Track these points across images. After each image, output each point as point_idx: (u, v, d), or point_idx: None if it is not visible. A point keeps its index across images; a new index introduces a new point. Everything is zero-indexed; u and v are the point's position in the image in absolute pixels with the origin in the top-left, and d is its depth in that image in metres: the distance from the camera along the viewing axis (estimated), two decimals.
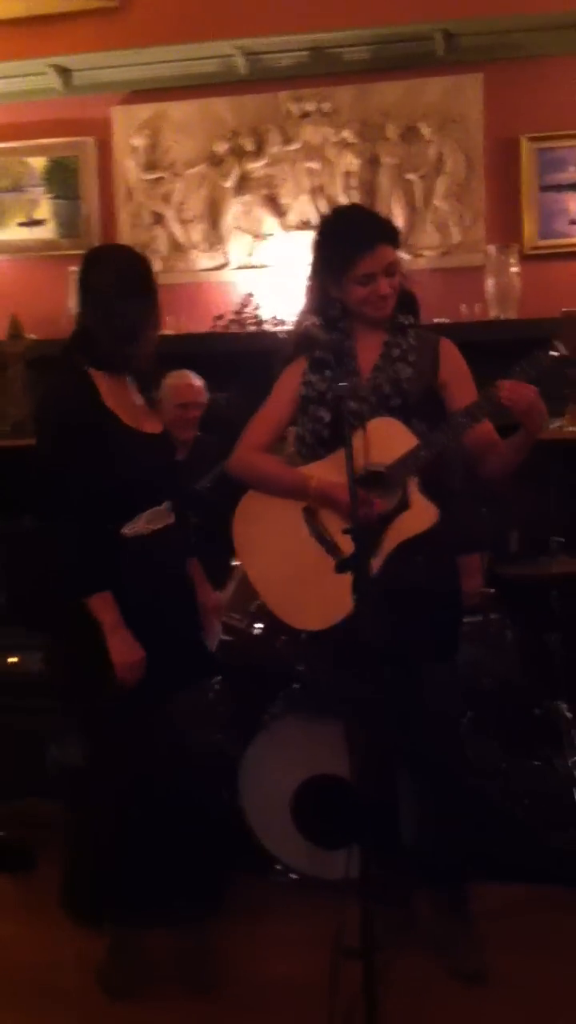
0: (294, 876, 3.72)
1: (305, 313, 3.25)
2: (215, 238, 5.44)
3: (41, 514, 3.18)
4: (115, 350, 3.04)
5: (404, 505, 3.04)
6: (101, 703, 3.04)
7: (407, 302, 3.23)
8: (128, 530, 3.01)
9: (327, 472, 3.07)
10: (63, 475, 2.98)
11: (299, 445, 3.28)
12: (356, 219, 3.25)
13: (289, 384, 3.25)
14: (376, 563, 3.03)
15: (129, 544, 3.01)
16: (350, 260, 3.06)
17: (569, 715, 4.13)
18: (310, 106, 5.25)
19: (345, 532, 2.83)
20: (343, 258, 3.08)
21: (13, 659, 4.38)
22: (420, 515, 3.04)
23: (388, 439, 3.04)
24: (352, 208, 3.38)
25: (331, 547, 3.10)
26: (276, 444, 3.35)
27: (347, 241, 3.10)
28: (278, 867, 3.73)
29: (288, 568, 3.17)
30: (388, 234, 3.13)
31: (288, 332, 4.97)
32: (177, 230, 5.49)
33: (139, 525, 3.02)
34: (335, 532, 3.10)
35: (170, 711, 3.09)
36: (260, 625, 3.94)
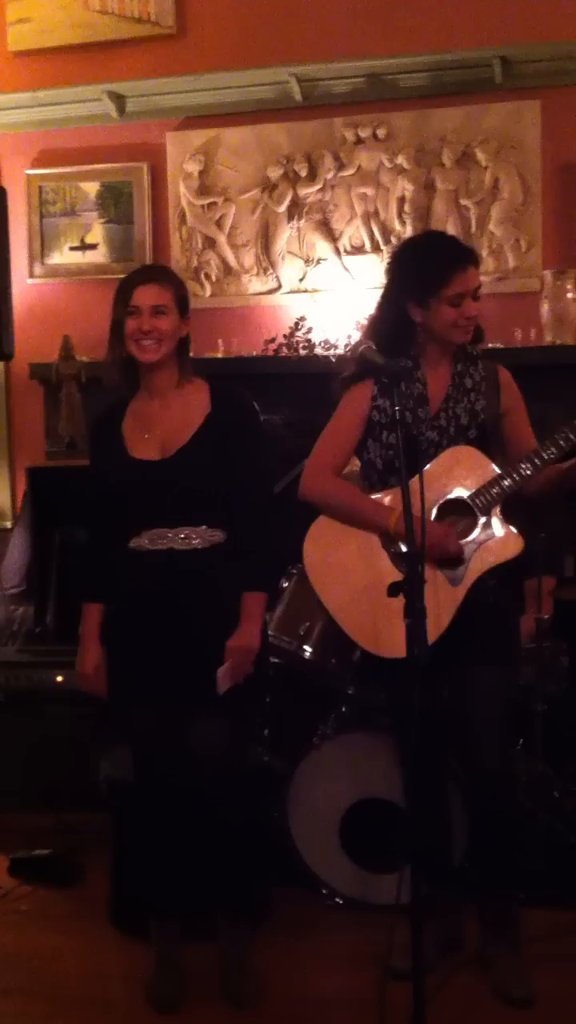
0: (340, 901, 3.67)
1: (366, 337, 3.23)
2: (267, 262, 5.45)
3: None
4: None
5: (489, 533, 3.05)
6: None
7: (477, 335, 3.20)
8: (133, 544, 3.10)
9: (400, 502, 2.96)
10: (85, 487, 3.21)
11: (367, 470, 3.25)
12: (446, 240, 3.24)
13: (355, 405, 3.21)
14: (459, 592, 3.04)
15: (129, 557, 3.11)
16: (444, 278, 3.03)
17: None
18: (365, 132, 5.26)
19: (396, 557, 2.78)
20: (436, 276, 3.05)
21: (59, 677, 4.38)
22: (507, 543, 3.06)
23: (469, 467, 3.05)
24: (439, 233, 3.42)
25: None
26: (344, 466, 3.31)
27: (441, 259, 3.07)
28: (324, 891, 3.68)
29: (369, 595, 3.10)
30: (475, 258, 3.14)
31: (341, 356, 5.03)
32: (229, 255, 5.50)
33: (140, 541, 3.09)
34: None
35: (178, 730, 3.12)
36: (309, 648, 3.90)
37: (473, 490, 3.05)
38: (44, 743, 4.31)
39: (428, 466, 3.07)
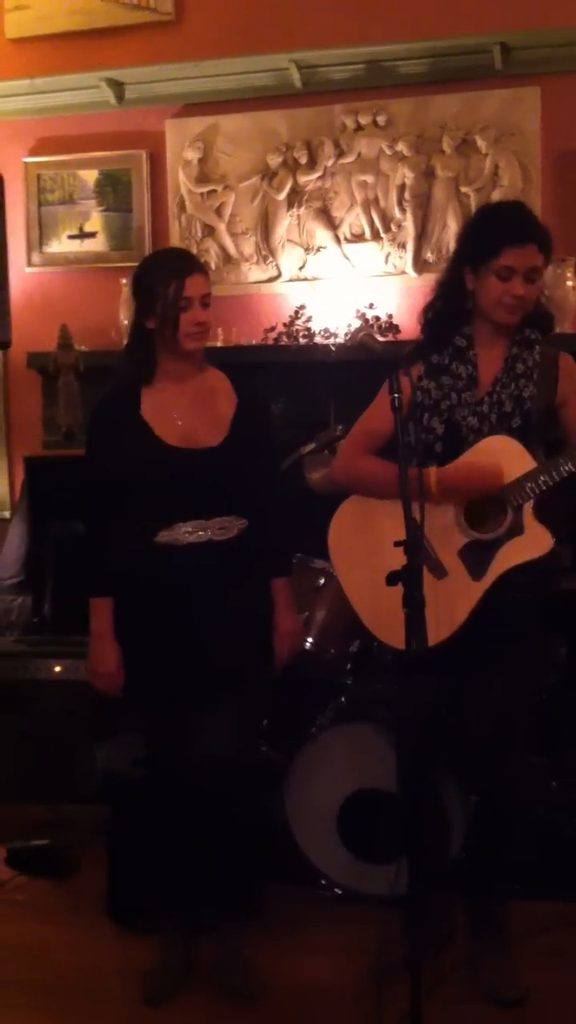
0: (338, 891, 3.67)
1: (430, 303, 3.15)
2: (267, 251, 5.43)
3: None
4: None
5: (518, 530, 2.95)
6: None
7: (541, 322, 3.12)
8: (161, 537, 3.03)
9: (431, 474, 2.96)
10: (88, 477, 3.15)
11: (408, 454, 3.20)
12: (517, 211, 3.09)
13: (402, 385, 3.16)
14: (481, 586, 2.96)
15: (159, 551, 3.03)
16: (497, 247, 2.93)
17: None
18: (365, 119, 5.22)
19: (397, 545, 2.67)
20: (491, 243, 2.95)
21: (57, 668, 4.37)
22: (534, 542, 2.94)
23: (506, 459, 2.94)
24: (515, 203, 3.25)
25: (434, 565, 2.98)
26: (379, 447, 3.18)
27: (501, 228, 2.98)
28: (323, 882, 3.67)
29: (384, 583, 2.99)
30: (543, 239, 2.99)
31: (341, 344, 5.01)
32: (228, 243, 5.47)
33: (175, 535, 3.02)
34: (439, 549, 3.00)
35: (193, 725, 3.11)
36: (308, 638, 3.89)
37: (507, 483, 2.94)
38: (40, 734, 4.30)
39: (463, 455, 3.02)
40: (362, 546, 3.17)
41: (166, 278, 3.00)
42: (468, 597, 2.97)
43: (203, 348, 3.12)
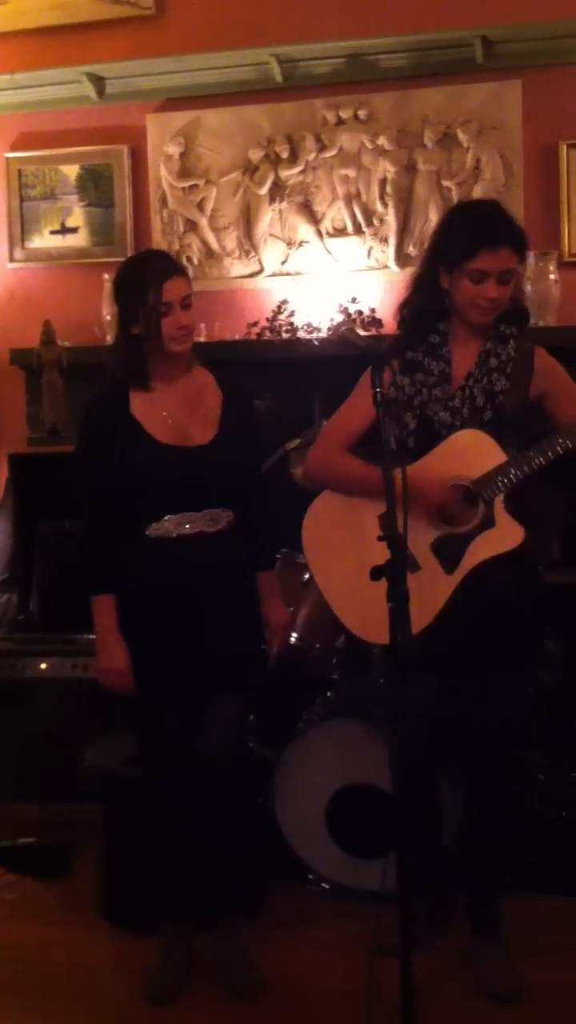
0: (326, 886, 3.67)
1: (406, 300, 3.18)
2: (249, 245, 5.41)
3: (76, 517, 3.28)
4: None
5: (489, 523, 2.96)
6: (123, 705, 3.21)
7: (517, 316, 3.14)
8: (152, 531, 3.06)
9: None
10: (83, 477, 3.15)
11: (383, 449, 3.20)
12: (491, 213, 3.11)
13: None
14: (454, 579, 2.97)
15: (151, 545, 3.06)
16: (470, 250, 2.96)
17: None
18: (346, 113, 5.21)
19: (380, 539, 2.68)
20: (464, 246, 2.98)
21: (43, 665, 4.36)
22: (505, 535, 2.96)
23: (476, 453, 2.96)
24: (490, 202, 3.26)
25: (407, 559, 2.94)
26: (353, 445, 3.23)
27: (474, 230, 3.00)
28: (311, 876, 3.68)
29: (361, 578, 2.93)
30: (516, 240, 3.02)
31: (324, 339, 5.00)
32: (211, 237, 5.45)
33: (164, 527, 3.05)
34: (411, 543, 2.92)
35: (195, 719, 3.13)
36: (294, 634, 3.89)
37: (476, 476, 2.96)
38: (28, 732, 4.30)
39: (434, 448, 3.03)
40: (335, 541, 3.19)
41: (144, 285, 3.02)
42: (441, 591, 2.99)
43: (190, 348, 3.13)
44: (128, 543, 3.09)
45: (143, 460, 3.06)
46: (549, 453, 2.91)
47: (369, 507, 3.04)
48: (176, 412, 3.10)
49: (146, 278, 3.03)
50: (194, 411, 3.12)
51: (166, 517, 3.06)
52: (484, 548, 2.98)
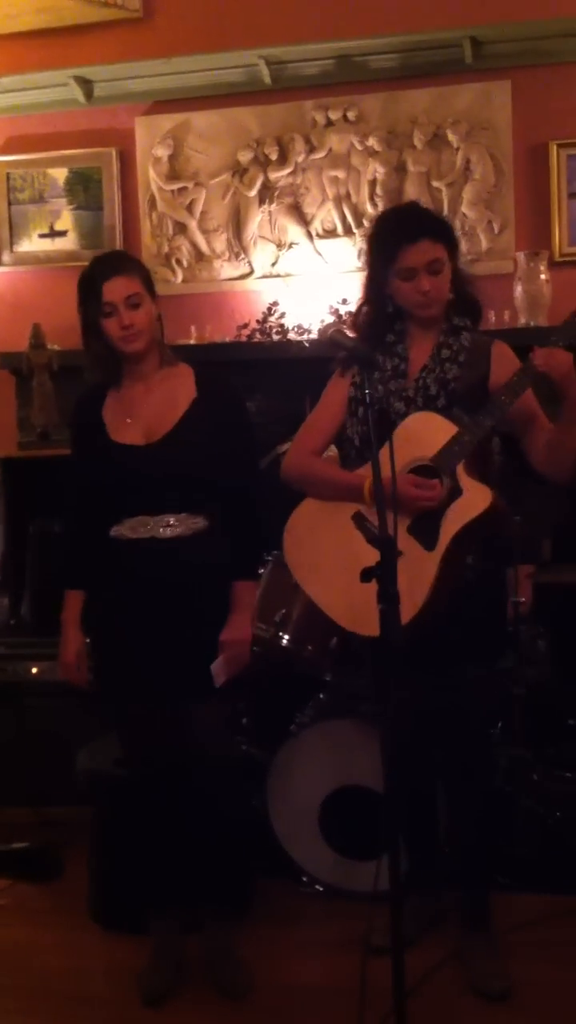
0: (320, 888, 3.67)
1: (359, 307, 3.23)
2: (239, 247, 5.41)
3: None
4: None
5: (456, 492, 2.97)
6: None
7: (469, 308, 3.20)
8: (113, 532, 3.07)
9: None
10: (69, 474, 3.20)
11: (346, 447, 3.25)
12: (405, 213, 3.26)
13: (339, 389, 3.23)
14: (436, 555, 2.97)
15: (111, 545, 3.07)
16: (393, 253, 3.05)
17: None
18: (335, 114, 5.21)
19: (370, 543, 2.64)
20: (388, 249, 3.07)
21: (35, 668, 4.36)
22: (475, 498, 2.97)
23: (429, 432, 2.99)
24: (407, 204, 3.40)
25: None
26: (329, 447, 3.31)
27: (392, 234, 3.10)
28: (304, 878, 3.67)
29: (346, 577, 2.99)
30: (434, 229, 3.08)
31: (314, 340, 5.00)
32: (200, 240, 5.45)
33: (121, 530, 3.05)
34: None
35: (171, 720, 3.11)
36: (286, 636, 3.88)
37: (435, 453, 2.99)
38: (20, 736, 4.29)
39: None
40: (315, 545, 3.22)
41: (83, 291, 3.05)
42: (428, 568, 2.98)
43: (148, 346, 3.09)
44: (99, 543, 3.09)
45: (100, 460, 3.08)
46: (496, 412, 2.96)
47: (345, 507, 3.10)
48: (140, 411, 3.08)
49: (85, 283, 3.04)
50: (159, 410, 3.09)
51: (124, 519, 3.05)
52: (458, 517, 2.98)
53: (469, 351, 3.11)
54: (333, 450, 3.35)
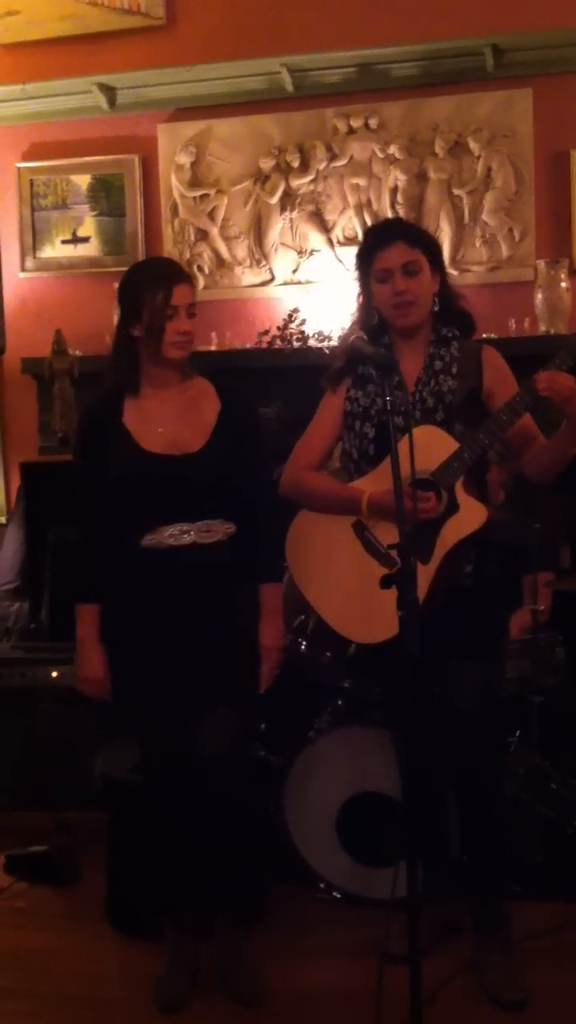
0: (337, 895, 3.66)
1: (352, 326, 3.25)
2: (260, 254, 5.43)
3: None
4: None
5: (453, 507, 3.01)
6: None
7: (459, 320, 3.21)
8: (147, 541, 3.04)
9: (374, 485, 3.06)
10: (79, 484, 3.16)
11: (345, 461, 3.26)
12: (384, 223, 3.44)
13: (333, 403, 3.25)
14: (431, 568, 3.00)
15: (145, 555, 3.04)
16: (369, 258, 3.11)
17: None
18: (357, 122, 5.23)
19: (390, 548, 2.75)
20: (365, 255, 3.14)
21: (54, 673, 4.37)
22: (470, 515, 3.02)
23: (430, 446, 3.00)
24: (385, 219, 3.48)
25: (386, 559, 3.03)
26: (324, 462, 3.34)
27: (369, 239, 3.21)
28: (321, 885, 3.67)
29: (346, 585, 3.12)
30: (407, 233, 3.15)
31: (334, 347, 5.00)
32: (222, 247, 5.47)
33: (159, 537, 3.04)
34: (385, 540, 3.04)
35: (189, 727, 3.11)
36: (304, 642, 3.88)
37: (435, 467, 3.01)
38: (39, 740, 4.30)
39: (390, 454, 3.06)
40: (317, 557, 3.25)
41: (153, 286, 3.01)
42: (422, 581, 2.99)
43: (187, 356, 3.12)
44: (121, 552, 3.08)
45: (131, 469, 3.06)
46: (496, 430, 2.98)
47: (342, 517, 3.15)
48: (168, 421, 3.09)
49: (156, 280, 3.03)
50: (188, 420, 3.10)
51: (161, 527, 3.04)
52: (453, 532, 3.03)
53: (460, 361, 3.13)
54: (337, 461, 3.37)
